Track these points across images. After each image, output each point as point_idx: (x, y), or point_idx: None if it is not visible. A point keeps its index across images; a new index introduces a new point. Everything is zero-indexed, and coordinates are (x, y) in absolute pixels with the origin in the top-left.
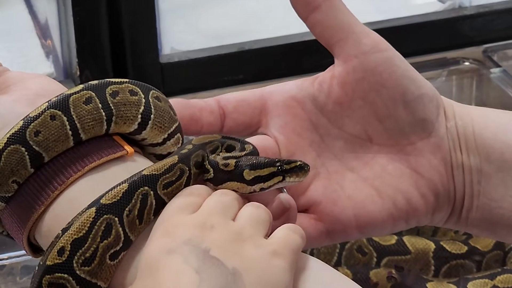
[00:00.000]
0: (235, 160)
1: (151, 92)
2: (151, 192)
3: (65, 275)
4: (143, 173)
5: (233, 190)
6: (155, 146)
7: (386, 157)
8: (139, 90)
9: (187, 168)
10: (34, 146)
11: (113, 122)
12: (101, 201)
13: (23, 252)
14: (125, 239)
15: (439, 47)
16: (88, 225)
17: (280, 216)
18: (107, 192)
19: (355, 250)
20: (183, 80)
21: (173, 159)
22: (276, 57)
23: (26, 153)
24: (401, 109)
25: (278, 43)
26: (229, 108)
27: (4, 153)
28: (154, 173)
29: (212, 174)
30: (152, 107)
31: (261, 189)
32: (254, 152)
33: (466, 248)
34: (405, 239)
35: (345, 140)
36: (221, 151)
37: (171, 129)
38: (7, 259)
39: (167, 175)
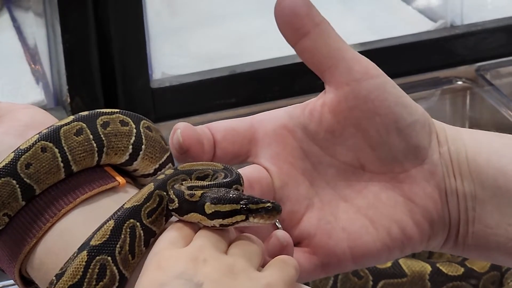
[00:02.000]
0: (201, 191)
1: (142, 122)
2: (137, 224)
3: None
4: (125, 206)
5: (197, 222)
6: (147, 176)
7: (379, 185)
8: (130, 120)
9: (164, 193)
10: (25, 179)
11: (104, 153)
12: (91, 242)
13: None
14: (120, 278)
15: (432, 67)
16: (82, 269)
17: (277, 254)
18: (94, 232)
19: (351, 274)
20: (175, 105)
21: (149, 187)
22: (269, 79)
23: (17, 185)
24: (394, 136)
25: (270, 65)
26: (218, 137)
27: None
28: (135, 204)
29: (177, 204)
30: (143, 137)
31: (221, 225)
32: (233, 181)
33: (462, 269)
34: (401, 261)
35: (338, 168)
36: (210, 180)
37: (162, 159)
38: (1, 287)
39: (148, 203)
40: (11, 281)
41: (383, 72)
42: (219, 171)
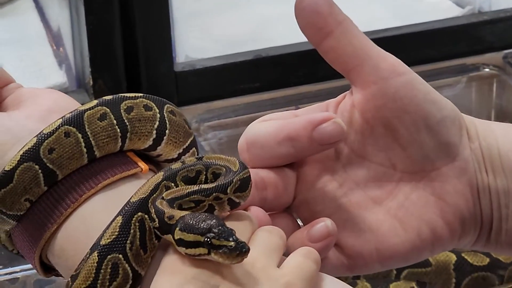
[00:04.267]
0: (181, 214)
1: (165, 107)
2: (146, 216)
3: None
4: (132, 200)
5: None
6: (170, 161)
7: (410, 184)
8: (154, 105)
9: (172, 184)
10: (48, 164)
11: (127, 138)
12: (101, 242)
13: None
14: (133, 275)
15: (459, 53)
16: (94, 271)
17: (320, 240)
18: (104, 230)
19: None
20: (198, 89)
21: (157, 177)
22: (293, 64)
23: (39, 171)
24: (424, 134)
25: (295, 50)
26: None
27: (17, 171)
28: (142, 196)
29: (157, 224)
30: (167, 122)
31: (186, 254)
32: (214, 188)
33: (488, 260)
34: None
35: (368, 168)
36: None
37: (186, 144)
38: (19, 271)
39: (154, 195)
40: (30, 265)
41: (410, 69)
42: (230, 170)
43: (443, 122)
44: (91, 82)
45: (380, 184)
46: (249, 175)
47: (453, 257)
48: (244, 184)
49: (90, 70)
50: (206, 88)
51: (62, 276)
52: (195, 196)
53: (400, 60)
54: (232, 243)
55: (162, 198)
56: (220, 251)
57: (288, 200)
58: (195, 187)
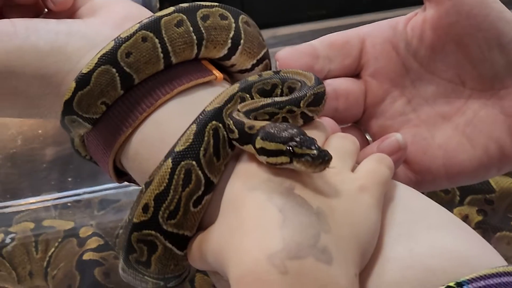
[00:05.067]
0: (262, 124)
1: (240, 17)
2: (220, 125)
3: (153, 232)
4: (206, 109)
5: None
6: (244, 72)
7: (479, 102)
8: (229, 15)
9: (247, 96)
10: (125, 68)
11: (203, 46)
12: (176, 149)
13: (99, 187)
14: (206, 182)
15: None
16: (168, 176)
17: (391, 154)
18: (178, 139)
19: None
20: (264, 15)
21: (233, 88)
22: None
23: (116, 74)
24: (496, 52)
25: None
26: (335, 51)
27: (95, 74)
28: (216, 106)
29: (237, 135)
30: (242, 32)
31: (267, 163)
32: (288, 100)
33: None
34: None
35: (437, 85)
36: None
37: (260, 55)
38: (83, 193)
39: (229, 105)
40: (94, 188)
41: None
42: (305, 85)
43: None
44: (158, 5)
45: (449, 101)
46: (324, 90)
47: None
48: (318, 98)
49: None
50: (272, 14)
51: (134, 182)
52: (269, 108)
53: None
54: (315, 151)
55: (238, 110)
56: (303, 159)
57: (358, 113)
58: (269, 100)
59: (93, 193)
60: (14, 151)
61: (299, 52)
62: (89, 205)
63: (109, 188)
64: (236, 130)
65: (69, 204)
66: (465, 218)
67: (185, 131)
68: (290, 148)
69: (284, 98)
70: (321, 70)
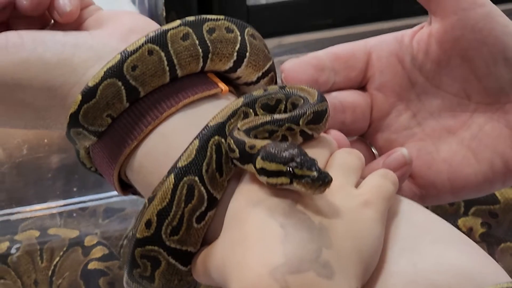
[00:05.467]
0: (262, 144)
1: (246, 30)
2: (223, 140)
3: (156, 248)
4: (209, 124)
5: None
6: (249, 85)
7: (485, 116)
8: (235, 28)
9: (251, 110)
10: (130, 81)
11: (209, 59)
12: (178, 164)
13: (105, 194)
14: (208, 198)
15: None
16: (170, 192)
17: (397, 170)
18: (181, 155)
19: None
20: (270, 24)
21: (237, 103)
22: (367, 1)
23: (122, 87)
24: (501, 66)
25: None
26: (339, 65)
27: (101, 87)
28: (219, 121)
29: (238, 155)
30: (248, 44)
31: (268, 184)
32: (290, 118)
33: None
34: None
35: (443, 98)
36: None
37: (266, 68)
38: (89, 201)
39: (232, 120)
40: (99, 195)
41: (489, 1)
42: (307, 102)
43: None
44: (164, 14)
45: (454, 114)
46: (326, 108)
47: None
48: (319, 116)
49: (163, 2)
50: (278, 23)
51: (139, 195)
52: (269, 126)
53: None
54: (315, 173)
55: (238, 128)
56: (303, 181)
57: (364, 126)
58: (268, 117)
59: (99, 200)
60: (20, 160)
61: (304, 64)
62: (94, 213)
63: (114, 195)
64: (237, 150)
65: (74, 213)
66: (470, 231)
67: (188, 146)
68: (290, 169)
69: (283, 116)
70: (326, 82)
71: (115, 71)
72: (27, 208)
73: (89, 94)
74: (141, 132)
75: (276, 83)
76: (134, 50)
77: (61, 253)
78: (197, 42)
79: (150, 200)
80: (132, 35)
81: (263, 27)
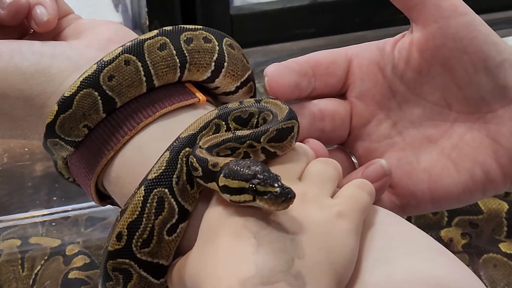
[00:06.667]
0: (225, 162)
1: (224, 40)
2: None
3: (127, 260)
4: (181, 136)
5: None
6: (228, 94)
7: (465, 125)
8: (213, 37)
9: (223, 123)
10: (107, 91)
11: (186, 69)
12: (148, 177)
13: (87, 204)
14: (180, 210)
15: None
16: (140, 205)
17: (376, 181)
18: (152, 167)
19: None
20: (253, 32)
21: (210, 115)
22: (350, 10)
23: (99, 97)
24: (482, 75)
25: None
26: (320, 71)
27: (77, 97)
28: (191, 132)
29: (201, 173)
30: (226, 54)
31: (231, 201)
32: (255, 133)
33: None
34: None
35: (424, 107)
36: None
37: (244, 77)
38: (71, 210)
39: (204, 132)
40: (82, 205)
41: (471, 9)
42: (274, 118)
43: (502, 65)
44: (147, 23)
45: (435, 123)
46: (292, 126)
47: (505, 206)
48: (282, 134)
49: (146, 10)
50: (261, 32)
51: (117, 205)
52: (230, 143)
53: (461, 0)
54: (278, 189)
55: (200, 147)
56: (266, 197)
57: (344, 134)
58: (230, 134)
59: (81, 209)
60: (0, 168)
61: (287, 69)
62: (76, 222)
63: (96, 205)
64: (200, 168)
65: (55, 222)
66: (450, 242)
67: (159, 158)
68: (253, 186)
69: (245, 133)
70: (307, 87)
71: (91, 81)
72: (9, 217)
73: (65, 104)
74: (118, 142)
75: (255, 93)
76: (110, 60)
77: (42, 262)
78: (174, 52)
79: (122, 212)
80: (111, 45)
81: (246, 36)
